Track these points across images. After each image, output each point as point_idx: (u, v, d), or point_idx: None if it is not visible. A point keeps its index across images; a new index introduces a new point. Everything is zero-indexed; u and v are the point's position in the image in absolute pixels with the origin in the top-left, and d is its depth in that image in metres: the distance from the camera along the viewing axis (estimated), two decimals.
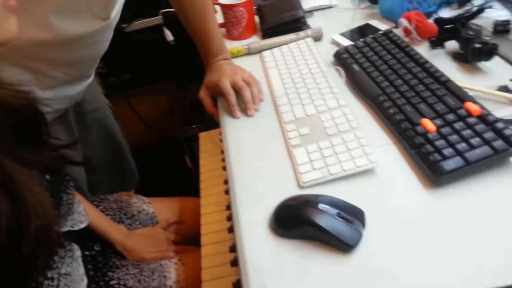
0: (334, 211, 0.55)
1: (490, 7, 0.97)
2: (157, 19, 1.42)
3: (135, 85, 1.64)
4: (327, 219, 0.54)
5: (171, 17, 1.39)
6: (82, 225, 0.73)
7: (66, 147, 0.60)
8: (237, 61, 0.99)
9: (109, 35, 0.84)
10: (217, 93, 0.89)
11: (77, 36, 0.73)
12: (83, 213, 0.75)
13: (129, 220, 0.93)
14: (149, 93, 1.77)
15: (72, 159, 0.63)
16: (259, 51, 1.02)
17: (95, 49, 0.83)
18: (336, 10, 1.15)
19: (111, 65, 0.90)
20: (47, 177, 0.61)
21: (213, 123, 0.94)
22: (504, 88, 0.75)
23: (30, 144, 0.52)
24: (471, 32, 0.82)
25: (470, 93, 0.73)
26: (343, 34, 1.00)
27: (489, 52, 0.79)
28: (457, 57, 0.85)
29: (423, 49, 0.89)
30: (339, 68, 0.89)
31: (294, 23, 1.08)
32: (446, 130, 0.64)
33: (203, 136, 0.96)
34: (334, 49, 0.93)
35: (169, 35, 1.35)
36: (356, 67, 0.84)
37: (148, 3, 1.40)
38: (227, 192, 0.73)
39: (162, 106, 1.83)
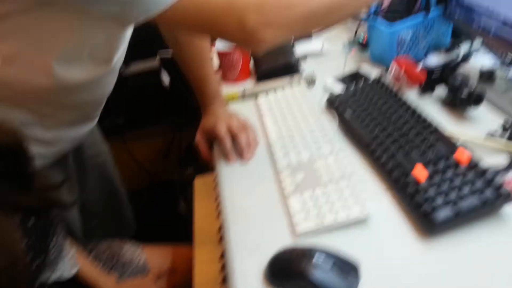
0: (329, 263, 0.56)
1: (476, 52, 1.01)
2: (155, 62, 1.45)
3: (130, 128, 1.66)
4: (322, 273, 0.54)
5: (169, 59, 1.42)
6: (73, 271, 0.72)
7: (53, 188, 0.59)
8: (233, 106, 1.01)
9: (113, 78, 0.85)
10: (213, 138, 0.91)
11: (81, 82, 0.75)
12: (74, 259, 0.75)
13: (120, 268, 0.92)
14: (144, 136, 1.78)
15: (60, 202, 0.62)
16: (253, 96, 1.04)
17: (99, 92, 0.84)
18: (328, 55, 1.18)
19: (107, 108, 0.92)
20: (32, 220, 0.60)
21: (209, 167, 0.95)
22: (493, 135, 0.77)
23: (10, 185, 0.51)
24: (458, 80, 0.85)
25: (460, 140, 0.75)
26: (335, 79, 1.03)
27: (476, 99, 0.82)
28: (446, 103, 0.88)
29: (413, 95, 0.92)
30: (333, 113, 0.91)
31: (288, 67, 1.11)
32: (437, 179, 0.66)
33: (198, 182, 0.96)
34: (327, 94, 0.96)
35: (166, 79, 1.37)
36: (348, 114, 0.86)
37: (145, 44, 1.43)
38: (221, 239, 0.73)
39: (157, 149, 1.85)
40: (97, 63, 0.76)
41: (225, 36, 0.68)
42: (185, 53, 0.95)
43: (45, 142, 0.80)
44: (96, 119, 0.96)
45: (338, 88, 0.98)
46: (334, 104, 0.91)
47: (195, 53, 0.95)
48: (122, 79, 1.33)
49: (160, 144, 1.84)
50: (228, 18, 0.62)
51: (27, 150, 0.53)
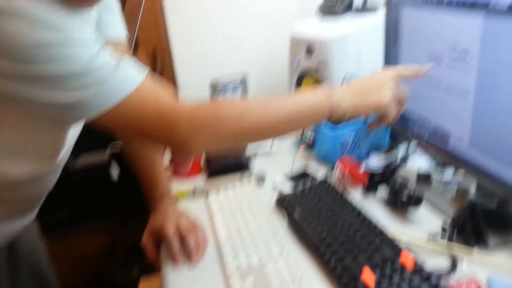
0: None
1: (413, 154, 1.09)
2: (103, 156, 1.44)
3: (72, 223, 1.57)
4: None
5: (118, 156, 1.41)
6: None
7: None
8: (183, 204, 1.00)
9: (56, 174, 0.84)
10: (161, 238, 0.88)
11: (23, 177, 0.72)
12: None
13: None
14: (86, 231, 1.70)
15: None
16: (204, 193, 1.04)
17: (41, 188, 0.82)
18: (277, 153, 1.23)
19: (50, 201, 0.88)
20: None
21: (155, 267, 0.90)
22: (434, 236, 0.80)
23: None
24: (398, 183, 0.91)
25: (404, 241, 0.77)
26: (284, 178, 1.06)
27: (416, 201, 0.87)
28: (388, 204, 0.92)
29: (358, 195, 0.96)
30: (282, 212, 0.92)
31: (239, 165, 1.13)
32: (385, 284, 0.66)
33: (144, 286, 0.91)
34: (277, 193, 0.98)
35: (115, 172, 1.36)
36: (297, 214, 0.88)
37: (96, 136, 1.42)
38: None
39: (101, 246, 1.74)
40: (41, 159, 0.74)
41: (156, 142, 0.70)
42: (135, 150, 0.96)
43: None
44: (35, 214, 0.91)
45: (287, 187, 1.01)
46: (283, 203, 0.93)
47: (145, 151, 0.95)
48: (70, 173, 1.30)
49: (104, 240, 1.74)
50: (159, 126, 0.64)
51: None
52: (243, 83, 1.32)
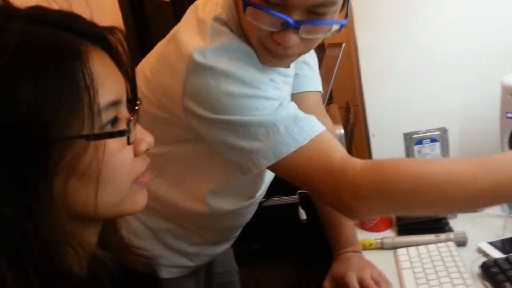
0: None
1: None
2: (293, 198, 1.50)
3: (261, 256, 1.67)
4: None
5: (307, 198, 1.46)
6: None
7: None
8: (368, 255, 0.95)
9: (254, 208, 0.93)
10: (342, 286, 0.84)
11: (227, 211, 0.83)
12: None
13: None
14: (272, 266, 1.78)
15: None
16: (393, 248, 0.97)
17: (240, 220, 0.92)
18: (483, 214, 1.06)
19: (244, 234, 0.98)
20: None
21: None
22: None
23: None
24: None
25: None
26: (492, 244, 0.90)
27: None
28: None
29: None
30: (487, 283, 0.77)
31: (435, 223, 1.02)
32: None
33: None
34: (481, 259, 0.84)
35: (302, 214, 1.40)
36: (508, 285, 0.72)
37: (287, 183, 1.51)
38: None
39: (282, 282, 1.80)
40: (243, 196, 0.85)
41: (322, 200, 0.69)
42: None
43: (187, 255, 0.88)
44: (233, 241, 1.01)
45: (495, 254, 0.85)
46: (489, 270, 0.78)
47: None
48: (263, 208, 1.40)
49: (288, 277, 1.79)
50: (326, 184, 0.63)
51: (159, 279, 0.56)
52: (442, 137, 1.21)
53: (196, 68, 0.63)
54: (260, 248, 1.67)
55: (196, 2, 0.73)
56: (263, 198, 0.92)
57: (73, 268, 0.42)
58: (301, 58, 0.78)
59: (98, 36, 0.43)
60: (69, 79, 0.38)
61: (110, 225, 0.50)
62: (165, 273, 0.84)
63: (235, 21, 0.67)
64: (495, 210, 1.06)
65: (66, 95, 0.38)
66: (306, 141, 0.63)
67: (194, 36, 0.66)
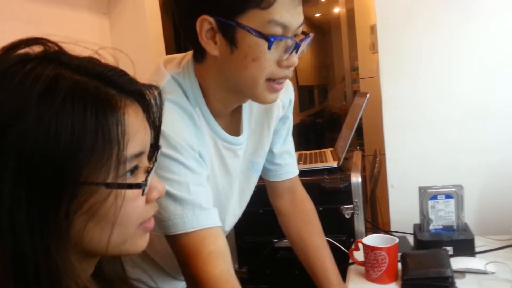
0: None
1: None
2: None
3: None
4: None
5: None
6: None
7: None
8: None
9: None
10: None
11: None
12: None
13: None
14: None
15: None
16: None
17: None
18: (492, 277, 1.03)
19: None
20: None
21: None
22: None
23: None
24: None
25: None
26: None
27: None
28: None
29: None
30: None
31: (441, 281, 1.00)
32: None
33: None
34: None
35: None
36: None
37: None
38: None
39: None
40: None
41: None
42: (303, 238, 1.02)
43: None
44: None
45: None
46: None
47: (318, 244, 1.01)
48: (273, 248, 1.41)
49: None
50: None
51: None
52: (457, 194, 1.20)
53: None
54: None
55: (165, 57, 0.79)
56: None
57: None
58: (286, 113, 0.89)
59: (137, 92, 0.47)
60: (105, 130, 0.42)
61: (109, 256, 0.53)
62: None
63: (191, 83, 0.73)
64: (506, 274, 1.03)
65: (100, 144, 0.41)
66: (189, 230, 0.67)
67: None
